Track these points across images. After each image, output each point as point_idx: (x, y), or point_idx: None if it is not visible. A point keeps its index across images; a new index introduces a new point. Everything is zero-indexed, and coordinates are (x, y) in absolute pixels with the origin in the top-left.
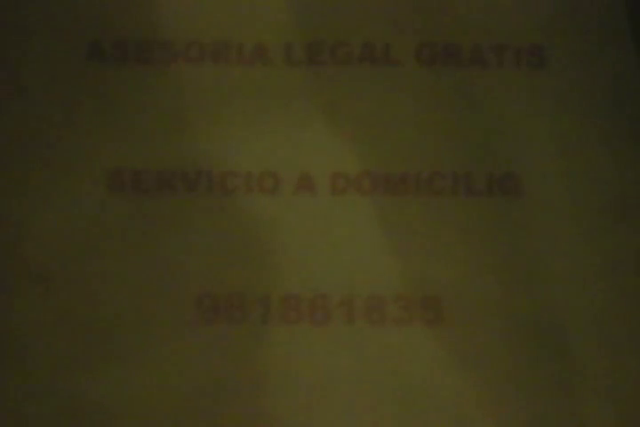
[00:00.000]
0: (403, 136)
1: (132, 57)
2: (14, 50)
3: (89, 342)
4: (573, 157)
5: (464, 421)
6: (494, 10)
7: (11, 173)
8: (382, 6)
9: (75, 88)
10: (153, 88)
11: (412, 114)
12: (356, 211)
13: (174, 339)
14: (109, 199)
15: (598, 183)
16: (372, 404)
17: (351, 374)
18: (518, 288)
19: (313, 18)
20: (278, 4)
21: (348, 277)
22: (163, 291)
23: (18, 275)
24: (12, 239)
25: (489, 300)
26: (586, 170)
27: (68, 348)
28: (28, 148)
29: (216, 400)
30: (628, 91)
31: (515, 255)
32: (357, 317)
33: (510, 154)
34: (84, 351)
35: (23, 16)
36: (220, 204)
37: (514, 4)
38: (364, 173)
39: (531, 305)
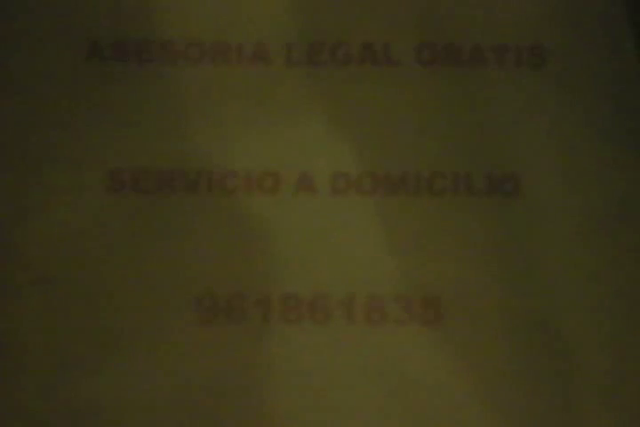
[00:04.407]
0: (403, 136)
1: (131, 57)
2: (14, 50)
3: (89, 343)
4: (573, 157)
5: (464, 421)
6: (494, 10)
7: (11, 173)
8: (382, 6)
9: (75, 88)
10: (153, 88)
11: (412, 114)
12: (356, 211)
13: (174, 339)
14: (109, 199)
15: (598, 183)
16: (372, 404)
17: (351, 374)
18: (518, 288)
19: (313, 18)
20: (278, 4)
21: (347, 277)
22: (163, 291)
23: (18, 275)
24: (12, 239)
25: (489, 300)
26: (586, 170)
27: (68, 348)
28: (28, 148)
29: (216, 400)
30: (628, 91)
31: (514, 255)
32: (357, 316)
33: (510, 154)
34: (84, 352)
35: (23, 16)
36: (220, 204)
37: (514, 4)
38: (365, 173)
39: (530, 305)
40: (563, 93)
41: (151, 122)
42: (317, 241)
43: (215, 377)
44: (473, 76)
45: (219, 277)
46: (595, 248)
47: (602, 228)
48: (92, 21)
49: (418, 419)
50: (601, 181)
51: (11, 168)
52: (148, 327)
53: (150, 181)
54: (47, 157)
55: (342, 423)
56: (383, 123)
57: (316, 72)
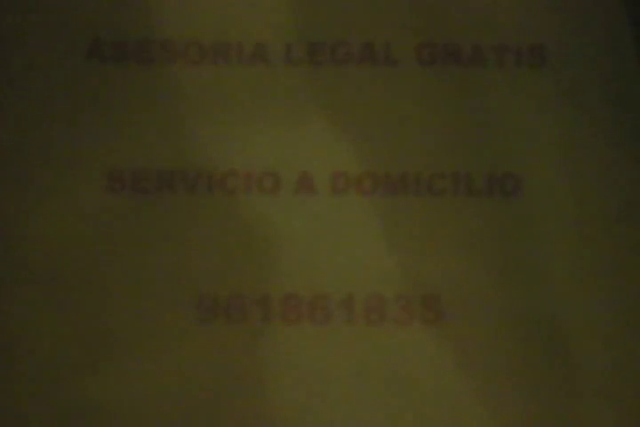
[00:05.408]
0: (403, 136)
1: (132, 57)
2: (14, 50)
3: (89, 343)
4: (574, 156)
5: (464, 420)
6: (494, 10)
7: (11, 172)
8: (382, 6)
9: (75, 88)
10: (153, 88)
11: (412, 114)
12: (356, 211)
13: (174, 339)
14: (109, 199)
15: (599, 183)
16: (371, 403)
17: (351, 374)
18: (518, 288)
19: (313, 18)
20: (278, 3)
21: (347, 277)
22: (163, 291)
23: (17, 275)
24: (12, 239)
25: (489, 300)
26: (586, 170)
27: (69, 348)
28: (28, 148)
29: (216, 400)
30: (629, 90)
31: (515, 255)
32: (357, 317)
33: (510, 154)
34: (85, 352)
35: (23, 16)
36: (219, 204)
37: (514, 3)
38: (365, 173)
39: (530, 305)
40: (563, 93)
41: (151, 122)
42: (317, 241)
43: (215, 377)
44: (473, 76)
45: (219, 277)
46: (595, 248)
47: (602, 228)
48: (92, 21)
49: (418, 419)
50: (601, 182)
51: (10, 168)
52: (148, 327)
53: (150, 181)
54: (47, 157)
55: (342, 423)
56: (383, 123)
57: (316, 72)
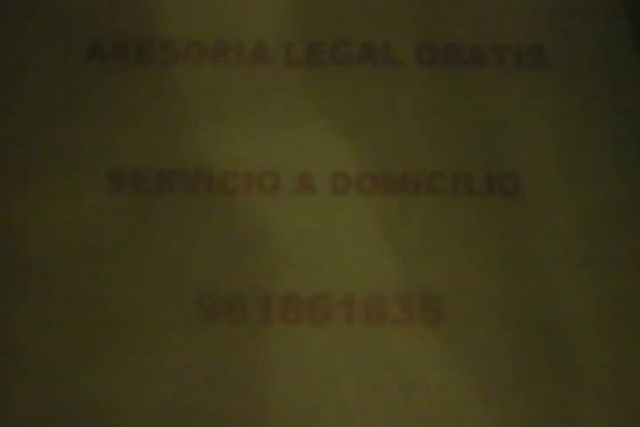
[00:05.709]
0: (403, 136)
1: (132, 57)
2: (14, 50)
3: (89, 342)
4: (573, 156)
5: (464, 421)
6: (494, 10)
7: (11, 172)
8: (382, 6)
9: (75, 88)
10: (153, 88)
11: (412, 114)
12: (356, 211)
13: (174, 339)
14: (109, 199)
15: (598, 183)
16: (372, 404)
17: (351, 374)
18: (518, 288)
19: (313, 18)
20: (278, 3)
21: (348, 277)
22: (163, 291)
23: (18, 275)
24: (12, 239)
25: (489, 299)
26: (586, 170)
27: (68, 348)
28: (29, 148)
29: (216, 400)
30: (628, 91)
31: (515, 255)
32: (357, 317)
33: (510, 154)
34: (84, 351)
35: (23, 16)
36: (219, 204)
37: (514, 4)
38: (365, 173)
39: (531, 305)
40: (563, 93)
41: (151, 122)
42: (317, 241)
43: (215, 377)
44: (473, 76)
45: (219, 277)
46: (595, 248)
47: (602, 227)
48: (92, 21)
49: (418, 419)
50: (601, 181)
51: (11, 168)
52: (148, 327)
53: (150, 180)
54: (47, 157)
55: (342, 423)
56: (383, 123)
57: (316, 72)
